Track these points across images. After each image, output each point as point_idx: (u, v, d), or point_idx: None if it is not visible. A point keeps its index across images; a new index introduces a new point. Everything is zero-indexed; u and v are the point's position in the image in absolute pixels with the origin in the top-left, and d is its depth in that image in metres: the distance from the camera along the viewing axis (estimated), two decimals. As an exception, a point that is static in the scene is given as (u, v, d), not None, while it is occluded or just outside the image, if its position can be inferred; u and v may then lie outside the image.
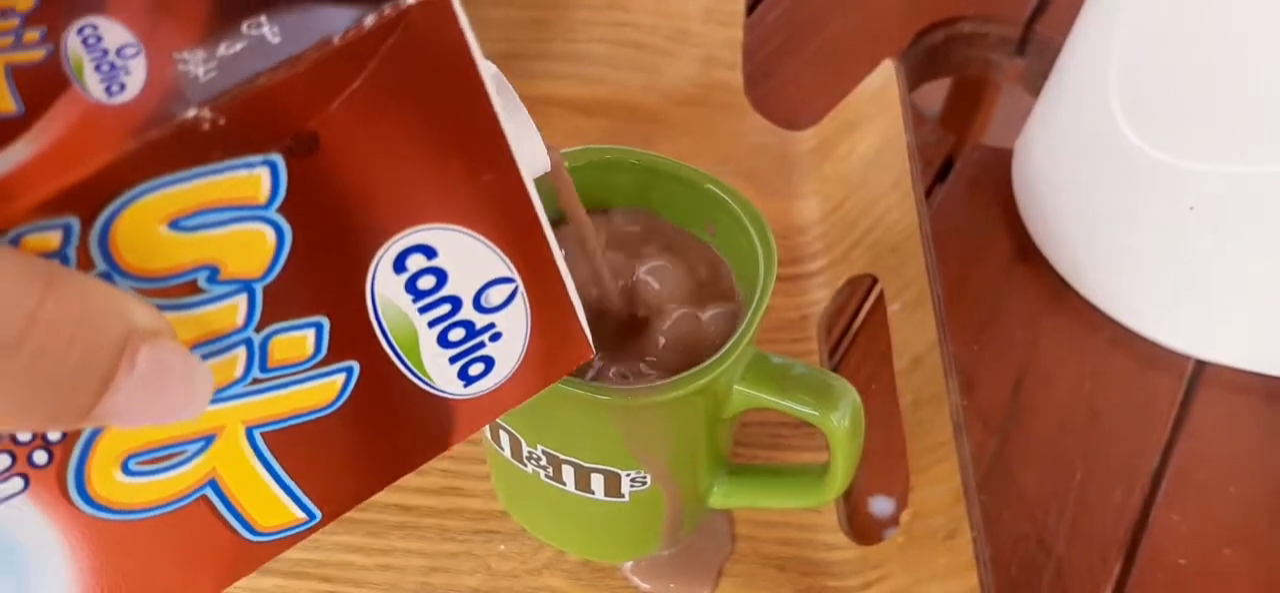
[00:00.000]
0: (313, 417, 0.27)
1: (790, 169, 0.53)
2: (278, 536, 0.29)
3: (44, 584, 0.26)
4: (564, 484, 0.38)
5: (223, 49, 0.22)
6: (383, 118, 0.23)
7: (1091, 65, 0.47)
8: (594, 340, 0.31)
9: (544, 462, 0.38)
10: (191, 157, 0.22)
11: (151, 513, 0.27)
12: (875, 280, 0.49)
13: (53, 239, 0.21)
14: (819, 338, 0.48)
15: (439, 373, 0.28)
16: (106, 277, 0.22)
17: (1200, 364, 0.49)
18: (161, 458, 0.26)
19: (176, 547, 0.28)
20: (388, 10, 0.22)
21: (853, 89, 0.53)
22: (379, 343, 0.27)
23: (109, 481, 0.25)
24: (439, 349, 0.28)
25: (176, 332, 0.23)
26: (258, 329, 0.25)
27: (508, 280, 0.28)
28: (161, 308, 0.23)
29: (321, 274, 0.25)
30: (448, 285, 0.27)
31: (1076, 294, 0.50)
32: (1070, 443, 0.46)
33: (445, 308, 0.27)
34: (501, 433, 0.38)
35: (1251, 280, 0.46)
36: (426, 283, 0.27)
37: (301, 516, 0.29)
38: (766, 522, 0.43)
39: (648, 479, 0.38)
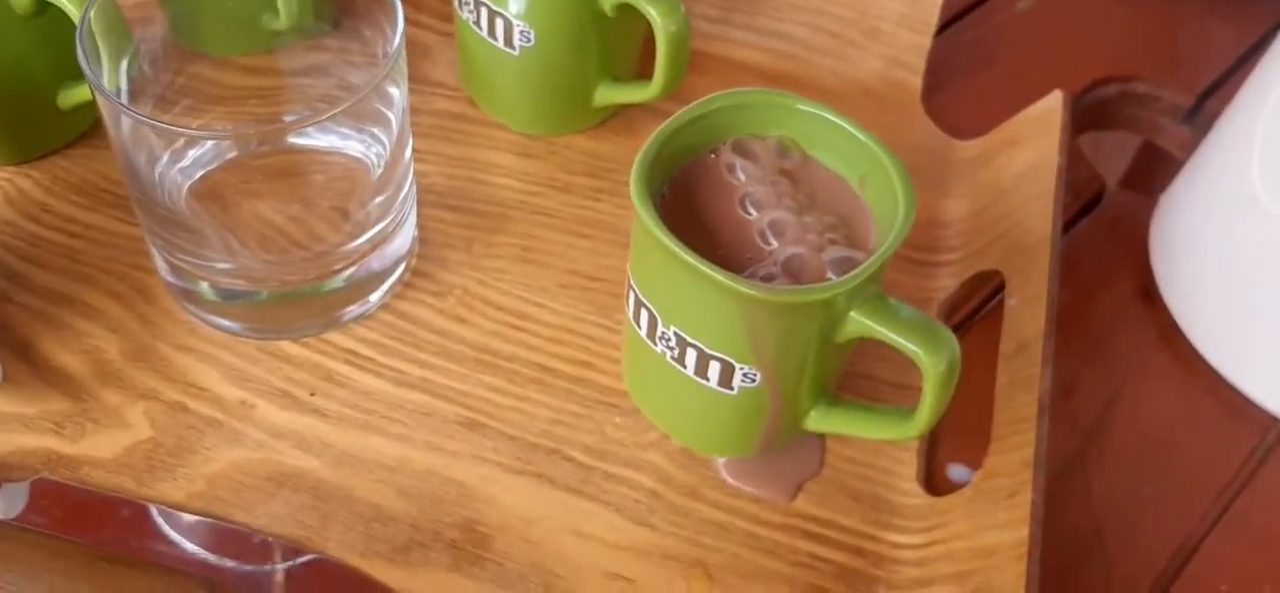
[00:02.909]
0: None
1: (947, 171, 0.58)
2: None
3: None
4: (685, 368, 0.44)
5: None
6: None
7: (1239, 132, 0.51)
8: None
9: (673, 342, 0.44)
10: None
11: None
12: (1002, 285, 0.54)
13: None
14: (938, 318, 0.53)
15: None
16: None
17: (1288, 427, 0.52)
18: None
19: None
20: None
21: (1020, 116, 0.58)
22: None
23: None
24: None
25: None
26: None
27: None
28: None
29: None
30: None
31: (1185, 338, 0.54)
32: (1145, 462, 0.50)
33: None
34: (643, 311, 0.45)
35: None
36: None
37: None
38: (852, 458, 0.48)
39: (757, 377, 0.43)
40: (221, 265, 0.48)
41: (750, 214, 0.44)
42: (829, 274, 0.43)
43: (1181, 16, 0.69)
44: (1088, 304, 0.55)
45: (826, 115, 0.46)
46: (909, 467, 0.48)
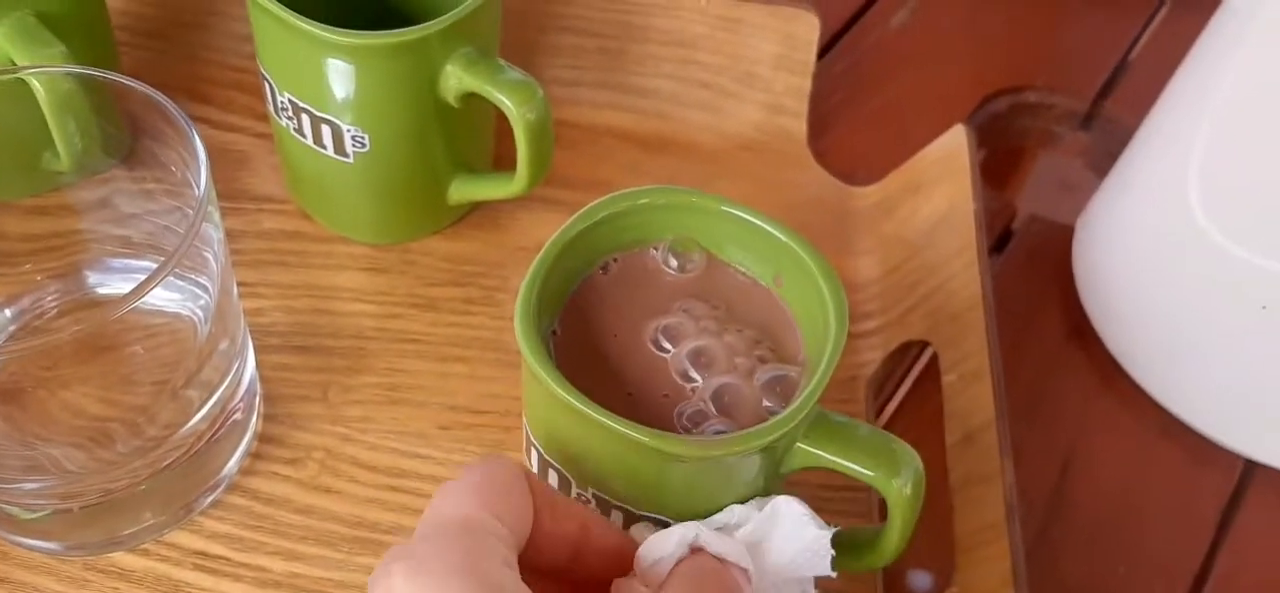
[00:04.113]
0: None
1: (848, 224, 0.53)
2: None
3: None
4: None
5: None
6: None
7: (1170, 150, 0.47)
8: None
9: (593, 506, 0.37)
10: None
11: None
12: (925, 345, 0.49)
13: None
14: (867, 400, 0.48)
15: None
16: None
17: (1251, 465, 0.48)
18: None
19: None
20: None
21: (914, 148, 0.53)
22: None
23: None
24: None
25: None
26: None
27: None
28: None
29: None
30: None
31: (1129, 377, 0.50)
32: (1114, 534, 0.46)
33: None
34: (550, 471, 0.38)
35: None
36: None
37: None
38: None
39: (697, 534, 0.37)
40: (28, 485, 0.40)
41: (666, 350, 0.38)
42: (765, 403, 0.37)
43: (1060, 16, 0.65)
44: (1019, 355, 0.50)
45: (730, 210, 0.40)
46: (868, 585, 0.42)
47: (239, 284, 0.48)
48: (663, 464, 0.35)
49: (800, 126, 0.56)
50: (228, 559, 0.42)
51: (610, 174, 0.54)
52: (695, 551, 0.33)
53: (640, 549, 0.33)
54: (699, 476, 0.36)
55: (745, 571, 0.33)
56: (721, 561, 0.33)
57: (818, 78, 0.59)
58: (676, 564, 0.33)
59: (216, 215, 0.40)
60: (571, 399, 0.34)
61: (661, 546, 0.33)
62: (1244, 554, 0.46)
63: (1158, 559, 0.45)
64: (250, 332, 0.45)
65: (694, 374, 0.37)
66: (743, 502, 0.36)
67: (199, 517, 0.43)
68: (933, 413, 0.46)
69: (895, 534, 0.37)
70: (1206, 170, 0.45)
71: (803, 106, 0.56)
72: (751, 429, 0.34)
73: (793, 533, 0.34)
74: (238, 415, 0.44)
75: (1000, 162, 0.60)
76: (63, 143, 0.44)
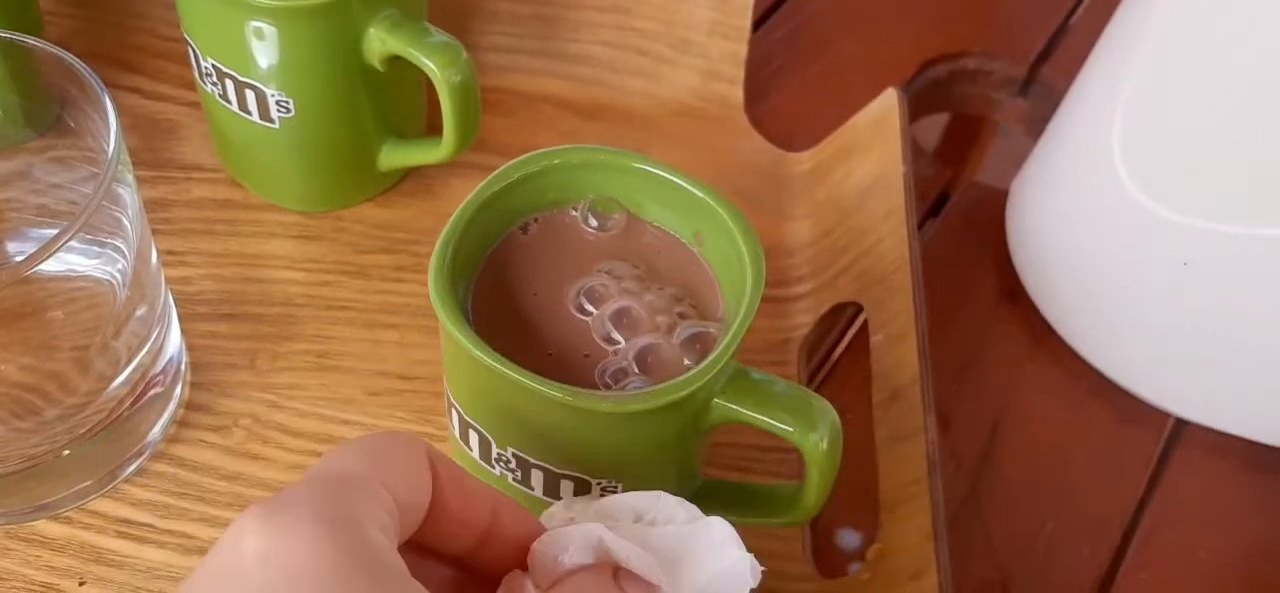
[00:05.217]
0: None
1: (783, 190, 0.53)
2: None
3: None
4: (532, 489, 0.38)
5: None
6: None
7: (1096, 111, 0.47)
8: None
9: (514, 465, 0.37)
10: None
11: None
12: (860, 309, 0.49)
13: None
14: (799, 362, 0.48)
15: None
16: None
17: (1180, 422, 0.48)
18: None
19: None
20: None
21: (851, 114, 0.53)
22: None
23: None
24: None
25: None
26: None
27: None
28: None
29: None
30: None
31: (1060, 339, 0.50)
32: (1042, 491, 0.46)
33: None
34: (471, 433, 0.38)
35: (1241, 342, 0.45)
36: None
37: None
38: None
39: (618, 488, 0.37)
40: (-58, 452, 0.39)
41: (588, 313, 0.37)
42: (685, 361, 0.36)
43: (999, -20, 0.65)
44: (951, 317, 0.50)
45: (649, 169, 0.39)
46: (793, 545, 0.43)
47: (168, 253, 0.48)
48: (581, 422, 0.35)
49: (737, 93, 0.56)
50: (152, 526, 0.42)
51: (546, 141, 0.53)
52: (598, 554, 0.30)
53: (537, 542, 0.30)
54: (618, 432, 0.35)
55: (653, 588, 0.30)
56: (621, 572, 0.30)
57: (757, 44, 0.58)
58: (573, 570, 0.30)
59: (130, 177, 0.40)
60: (487, 359, 0.34)
61: (561, 541, 0.30)
62: (1171, 510, 0.46)
63: (1086, 514, 0.45)
64: (177, 300, 0.45)
65: (616, 336, 0.37)
66: (674, 491, 0.34)
67: (123, 484, 0.43)
68: (865, 375, 0.46)
69: (814, 490, 0.37)
70: (1128, 131, 0.45)
71: (739, 73, 0.56)
72: (667, 384, 0.34)
73: (713, 553, 0.31)
74: (160, 385, 0.43)
75: (939, 127, 0.60)
76: (-15, 111, 0.43)
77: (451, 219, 0.37)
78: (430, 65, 0.44)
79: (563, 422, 0.35)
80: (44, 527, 0.42)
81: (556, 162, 0.39)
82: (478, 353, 0.34)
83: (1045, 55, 0.61)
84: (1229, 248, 0.44)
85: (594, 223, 0.40)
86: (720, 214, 0.38)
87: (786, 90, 0.59)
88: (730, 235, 0.38)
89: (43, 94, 0.43)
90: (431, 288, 0.35)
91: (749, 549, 0.31)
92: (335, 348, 0.47)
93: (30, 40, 0.41)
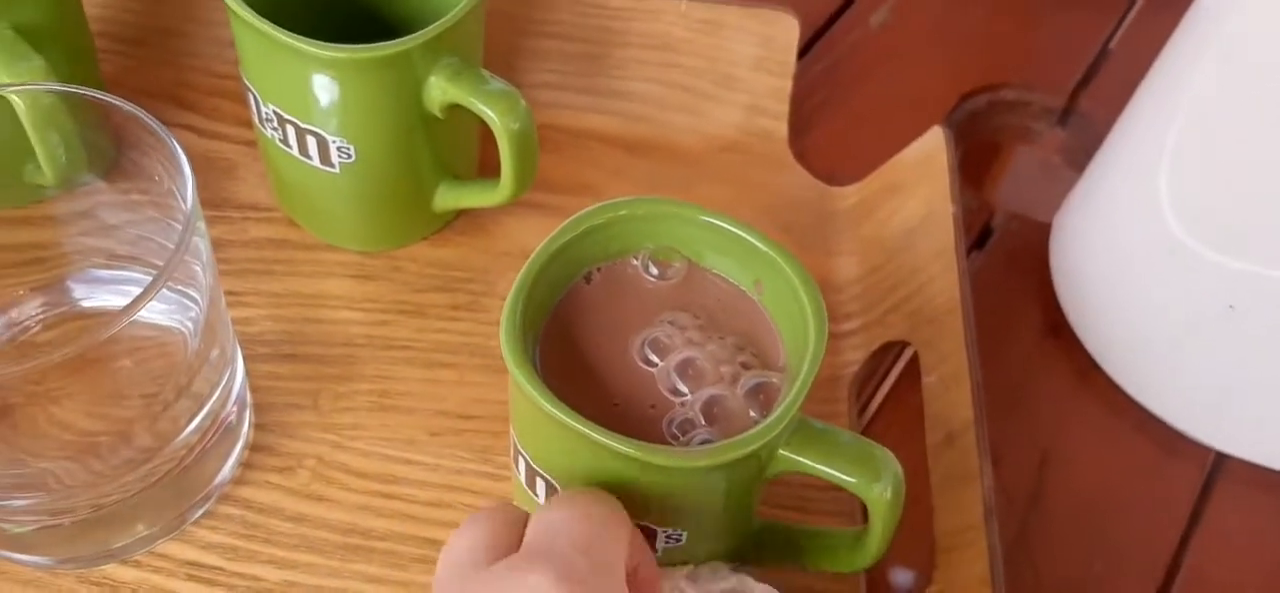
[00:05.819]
0: None
1: (828, 226, 0.54)
2: None
3: None
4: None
5: None
6: None
7: (1143, 151, 0.48)
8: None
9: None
10: None
11: None
12: (906, 345, 0.50)
13: None
14: (849, 400, 0.49)
15: None
16: None
17: (1220, 456, 0.49)
18: None
19: None
20: None
21: (894, 147, 0.54)
22: None
23: None
24: None
25: None
26: None
27: None
28: None
29: None
30: None
31: (1104, 375, 0.51)
32: (1089, 531, 0.47)
33: None
34: (538, 480, 0.39)
35: (1281, 382, 0.46)
36: None
37: None
38: (788, 586, 0.43)
39: (682, 537, 0.38)
40: (16, 502, 0.40)
41: (653, 364, 0.38)
42: (750, 412, 0.37)
43: (1037, 12, 0.65)
44: (996, 351, 0.51)
45: (712, 220, 0.40)
46: (851, 584, 0.43)
47: (228, 293, 0.49)
48: (649, 475, 0.36)
49: (781, 128, 0.57)
50: (222, 570, 0.43)
51: (594, 178, 0.55)
52: None
53: None
54: (686, 484, 0.36)
55: None
56: None
57: (797, 78, 0.59)
58: None
59: (203, 227, 0.40)
60: (558, 413, 0.35)
61: None
62: (1215, 546, 0.47)
63: (1132, 552, 0.46)
64: (239, 341, 0.46)
65: (682, 387, 0.38)
66: (733, 534, 0.35)
67: (191, 527, 0.44)
68: (914, 411, 0.47)
69: (876, 538, 0.38)
70: (1175, 173, 0.46)
71: (783, 107, 0.57)
72: (733, 440, 0.35)
73: None
74: (229, 425, 0.44)
75: (979, 158, 0.61)
76: (46, 157, 0.44)
77: (519, 275, 0.38)
78: (490, 114, 0.45)
79: (632, 474, 0.36)
80: (115, 571, 0.43)
81: (622, 213, 0.40)
82: (551, 409, 0.35)
83: (1083, 84, 0.61)
84: (1274, 292, 0.44)
85: (655, 272, 0.40)
86: (780, 264, 0.39)
87: (829, 124, 0.59)
88: (790, 285, 0.39)
89: (104, 136, 0.44)
90: (503, 343, 0.36)
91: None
92: (395, 387, 0.48)
93: (97, 94, 0.42)
